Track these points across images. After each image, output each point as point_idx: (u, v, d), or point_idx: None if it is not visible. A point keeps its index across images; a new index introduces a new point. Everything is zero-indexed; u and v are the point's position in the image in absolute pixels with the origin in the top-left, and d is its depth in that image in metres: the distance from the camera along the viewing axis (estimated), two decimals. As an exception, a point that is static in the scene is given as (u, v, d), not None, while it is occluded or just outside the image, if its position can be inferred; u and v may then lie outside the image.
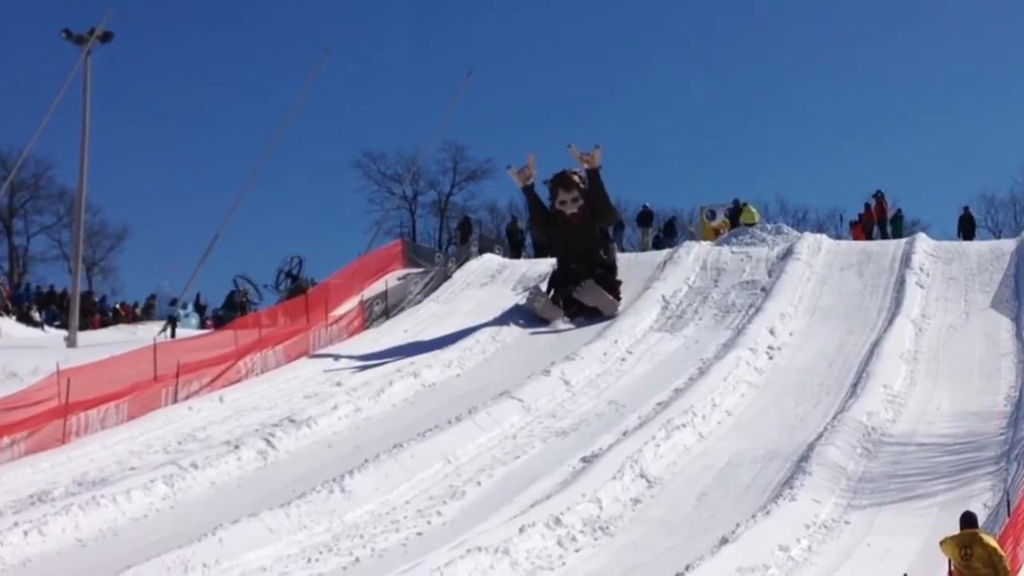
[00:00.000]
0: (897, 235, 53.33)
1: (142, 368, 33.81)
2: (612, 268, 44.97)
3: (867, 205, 56.46)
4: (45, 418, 29.91)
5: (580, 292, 43.25)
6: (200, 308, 62.02)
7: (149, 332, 49.38)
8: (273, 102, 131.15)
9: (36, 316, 60.62)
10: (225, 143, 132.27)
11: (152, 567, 21.86)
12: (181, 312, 60.76)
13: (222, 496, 27.19)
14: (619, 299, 43.92)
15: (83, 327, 52.44)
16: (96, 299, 68.98)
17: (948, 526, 20.40)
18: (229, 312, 56.44)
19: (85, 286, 72.28)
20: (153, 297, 64.24)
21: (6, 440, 28.86)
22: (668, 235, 58.94)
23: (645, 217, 60.42)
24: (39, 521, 24.16)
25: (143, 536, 24.49)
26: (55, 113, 48.06)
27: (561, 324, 42.48)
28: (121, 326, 58.55)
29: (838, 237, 55.64)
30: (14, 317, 59.15)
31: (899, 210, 55.86)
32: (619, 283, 44.72)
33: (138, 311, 64.45)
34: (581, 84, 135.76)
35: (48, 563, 23.14)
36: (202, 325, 56.79)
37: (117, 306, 65.46)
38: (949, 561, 18.35)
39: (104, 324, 59.97)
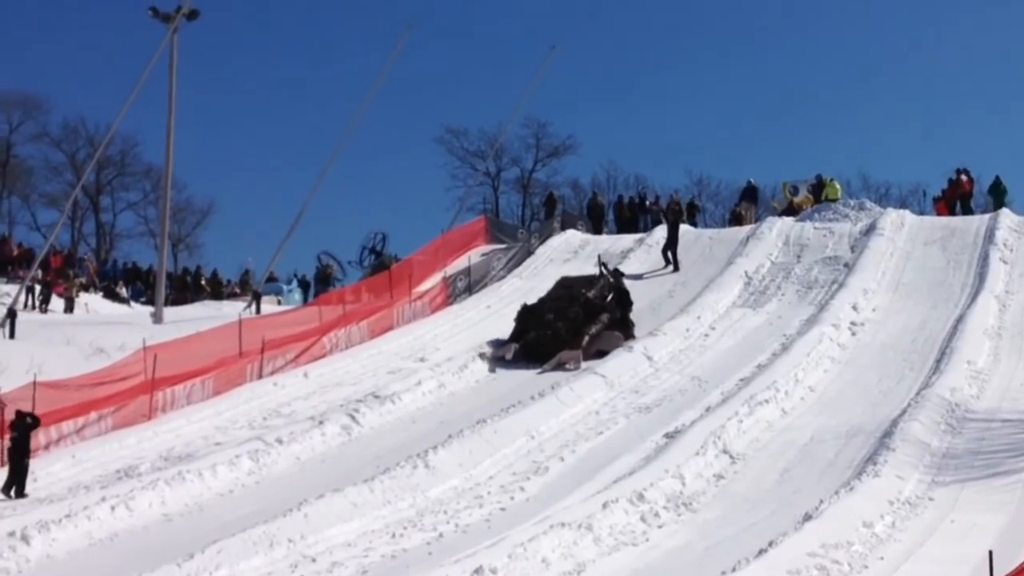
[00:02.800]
0: (999, 204, 52.58)
1: (227, 344, 34.22)
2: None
3: (950, 180, 55.84)
4: (132, 394, 30.34)
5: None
6: (304, 284, 62.39)
7: (234, 308, 49.76)
8: (357, 79, 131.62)
9: (122, 292, 61.23)
10: (309, 119, 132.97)
11: (238, 542, 22.09)
12: (285, 288, 61.28)
13: (307, 471, 27.46)
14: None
15: (177, 302, 52.90)
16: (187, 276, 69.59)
17: (1033, 503, 20.21)
18: (318, 287, 56.73)
19: (171, 263, 72.83)
20: (247, 273, 64.63)
21: (93, 415, 29.32)
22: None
23: (749, 192, 59.97)
24: (126, 496, 24.55)
25: (229, 511, 24.80)
26: (141, 91, 48.37)
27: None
28: (207, 302, 59.00)
29: (921, 213, 55.14)
30: (101, 293, 59.81)
31: (997, 178, 54.81)
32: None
33: (235, 287, 64.85)
34: (664, 59, 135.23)
35: (135, 538, 23.47)
36: (305, 301, 56.92)
37: (202, 282, 65.91)
38: (1034, 538, 18.20)
39: (189, 300, 60.49)
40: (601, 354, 35.94)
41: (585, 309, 37.89)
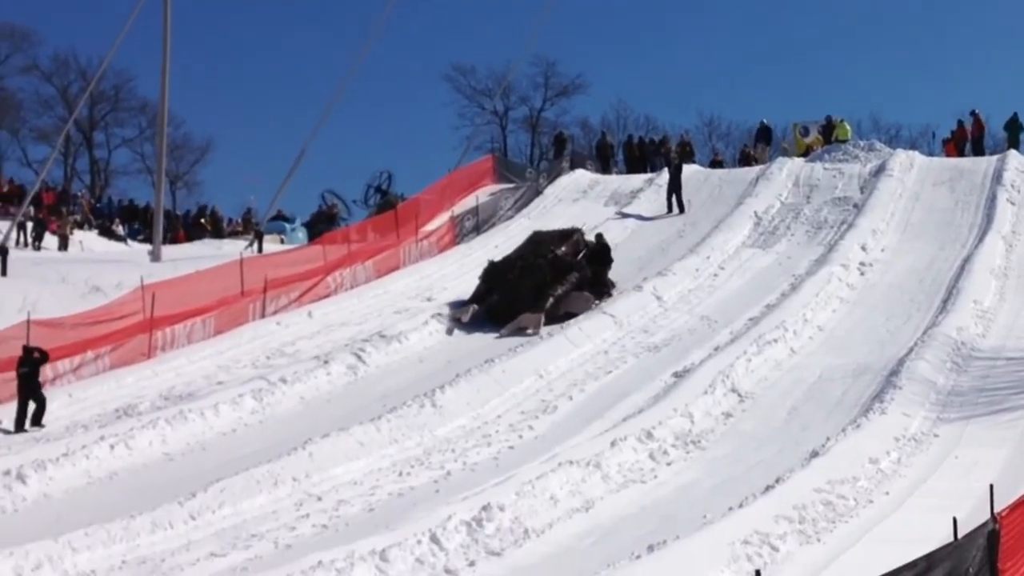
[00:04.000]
0: (1014, 142, 52.22)
1: (228, 283, 33.80)
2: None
3: (960, 122, 55.45)
4: (130, 332, 30.08)
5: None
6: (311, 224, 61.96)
7: (235, 247, 49.36)
8: (363, 14, 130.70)
9: (118, 230, 60.79)
10: (314, 55, 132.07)
11: (241, 480, 22.04)
12: (288, 227, 60.93)
13: (311, 411, 27.33)
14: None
15: (168, 241, 52.45)
16: (179, 214, 69.12)
17: (1035, 437, 20.21)
18: (320, 226, 56.36)
19: (169, 201, 72.21)
20: (249, 212, 64.30)
21: (90, 354, 29.08)
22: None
23: (763, 132, 59.59)
24: (125, 435, 24.46)
25: (231, 450, 24.70)
26: (135, 22, 47.53)
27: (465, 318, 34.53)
28: (207, 240, 58.61)
29: (930, 154, 54.73)
30: (96, 231, 59.34)
31: (1015, 114, 54.30)
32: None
33: (237, 225, 64.45)
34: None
35: (135, 476, 23.38)
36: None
37: (203, 220, 65.40)
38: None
39: (189, 239, 60.05)
40: (569, 316, 33.82)
41: (553, 268, 35.38)
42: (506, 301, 34.24)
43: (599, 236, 37.99)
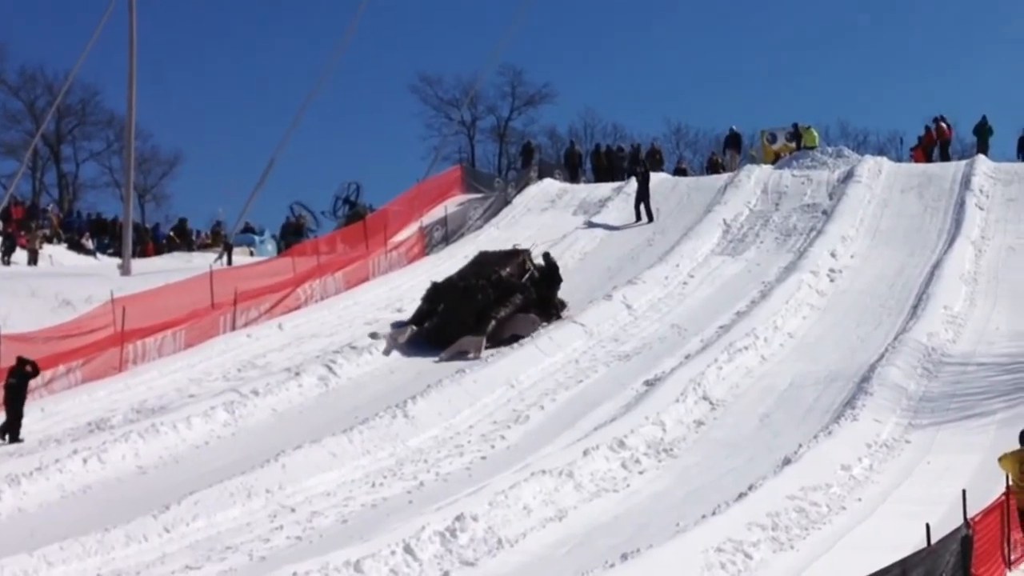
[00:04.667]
0: (983, 147, 52.56)
1: (199, 296, 33.74)
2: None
3: (927, 128, 55.76)
4: (101, 346, 30.02)
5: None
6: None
7: (205, 260, 49.28)
8: (329, 26, 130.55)
9: (88, 244, 60.63)
10: (280, 67, 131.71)
11: (215, 493, 22.03)
12: (258, 239, 60.85)
13: (284, 423, 27.30)
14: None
15: (137, 255, 52.40)
16: (148, 227, 69.00)
17: (1007, 443, 20.42)
18: (289, 238, 56.34)
19: (137, 214, 72.16)
20: (219, 225, 64.17)
21: (62, 368, 29.00)
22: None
23: (733, 139, 59.75)
24: (98, 448, 24.44)
25: (205, 463, 24.68)
26: (101, 36, 47.56)
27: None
28: (176, 254, 58.51)
29: (899, 160, 55.05)
30: (65, 245, 59.19)
31: (984, 118, 54.59)
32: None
33: (206, 238, 64.34)
34: (642, 5, 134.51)
35: (109, 490, 23.33)
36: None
37: (171, 233, 65.37)
38: (1007, 476, 18.43)
39: (158, 252, 59.98)
40: (515, 338, 32.58)
41: (497, 290, 34.01)
42: (447, 323, 33.12)
43: (547, 255, 36.68)
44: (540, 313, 34.33)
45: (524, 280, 35.19)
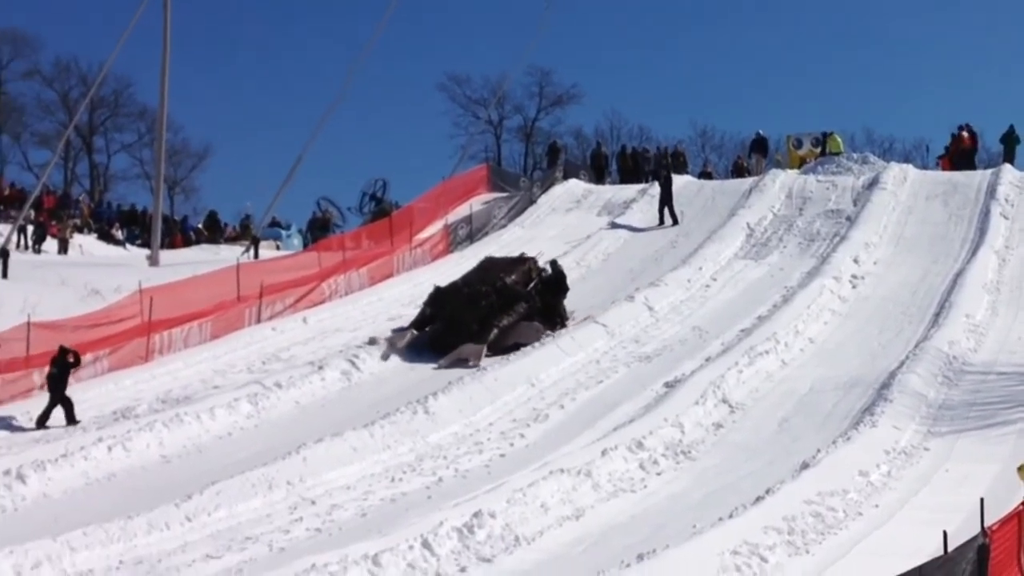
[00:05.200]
0: (1010, 155, 52.45)
1: (225, 288, 34.08)
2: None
3: (953, 136, 55.66)
4: (128, 336, 30.28)
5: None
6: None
7: (232, 252, 49.63)
8: (359, 24, 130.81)
9: (117, 234, 61.05)
10: (310, 63, 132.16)
11: (237, 484, 22.24)
12: (284, 233, 61.10)
13: (306, 416, 27.52)
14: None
15: (166, 246, 52.77)
16: (177, 219, 69.44)
17: (1026, 453, 20.37)
18: (316, 233, 56.58)
19: (167, 206, 72.59)
20: (248, 218, 64.50)
21: (89, 357, 29.17)
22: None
23: (759, 143, 59.73)
24: (123, 437, 24.68)
25: (227, 454, 24.92)
26: (135, 29, 47.83)
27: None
28: (204, 246, 58.91)
29: (924, 167, 54.97)
30: (95, 235, 59.62)
31: (1011, 127, 54.44)
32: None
33: (233, 231, 64.71)
34: (670, 8, 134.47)
35: (133, 478, 23.60)
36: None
37: (199, 226, 65.86)
38: (1026, 486, 18.40)
39: (187, 244, 60.38)
40: (518, 347, 31.88)
41: (501, 297, 33.21)
42: (448, 330, 32.39)
43: (554, 263, 35.89)
44: (545, 321, 33.62)
45: (530, 288, 34.41)
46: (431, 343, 32.41)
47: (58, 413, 26.41)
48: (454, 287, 33.88)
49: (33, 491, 22.25)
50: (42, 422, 26.21)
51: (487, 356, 31.56)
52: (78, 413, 26.59)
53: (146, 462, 24.27)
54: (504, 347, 32.07)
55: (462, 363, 31.29)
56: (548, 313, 34.06)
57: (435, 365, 31.48)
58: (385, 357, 31.49)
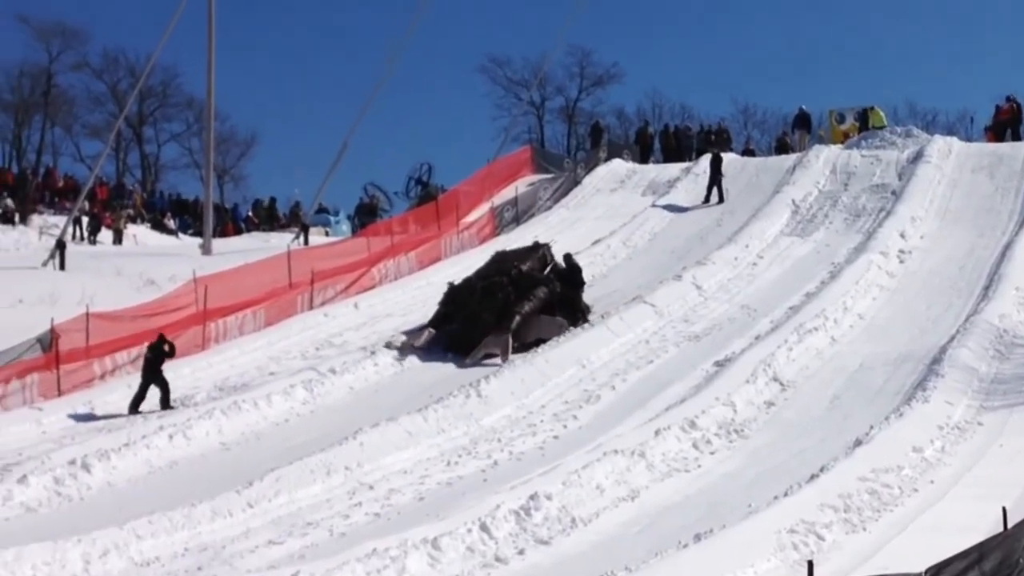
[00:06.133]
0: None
1: (277, 275, 34.44)
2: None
3: (997, 107, 55.37)
4: (184, 325, 30.57)
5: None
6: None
7: (282, 240, 50.02)
8: (401, 8, 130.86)
9: (170, 223, 61.59)
10: (352, 49, 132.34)
11: (295, 470, 22.50)
12: (333, 219, 61.43)
13: (361, 401, 27.82)
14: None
15: (217, 234, 53.27)
16: (228, 207, 70.04)
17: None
18: (364, 218, 56.85)
19: (217, 194, 73.13)
20: (297, 205, 64.91)
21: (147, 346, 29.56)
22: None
23: (802, 119, 59.57)
24: (183, 425, 25.01)
25: (285, 440, 25.22)
26: (180, 20, 48.22)
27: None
28: (254, 233, 59.41)
29: (968, 139, 54.71)
30: (148, 225, 60.18)
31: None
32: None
33: (284, 218, 65.30)
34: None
35: (194, 466, 23.94)
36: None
37: (249, 213, 66.42)
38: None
39: (237, 232, 60.90)
40: (540, 342, 30.88)
41: (517, 285, 32.22)
42: (467, 328, 31.23)
43: (568, 256, 34.76)
44: (567, 316, 32.62)
45: (547, 272, 33.69)
46: (451, 344, 31.29)
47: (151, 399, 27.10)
48: (468, 283, 32.87)
49: (98, 480, 22.57)
50: (135, 407, 26.77)
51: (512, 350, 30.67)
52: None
53: (206, 450, 24.63)
54: (526, 342, 31.05)
55: (490, 357, 30.50)
56: (569, 307, 33.07)
57: (460, 364, 30.39)
58: (400, 359, 30.45)
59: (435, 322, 32.08)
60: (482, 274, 33.31)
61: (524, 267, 33.16)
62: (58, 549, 18.54)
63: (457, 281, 33.61)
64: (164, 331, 28.75)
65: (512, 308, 31.60)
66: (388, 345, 30.85)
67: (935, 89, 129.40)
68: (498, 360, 30.22)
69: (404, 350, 30.75)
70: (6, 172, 66.99)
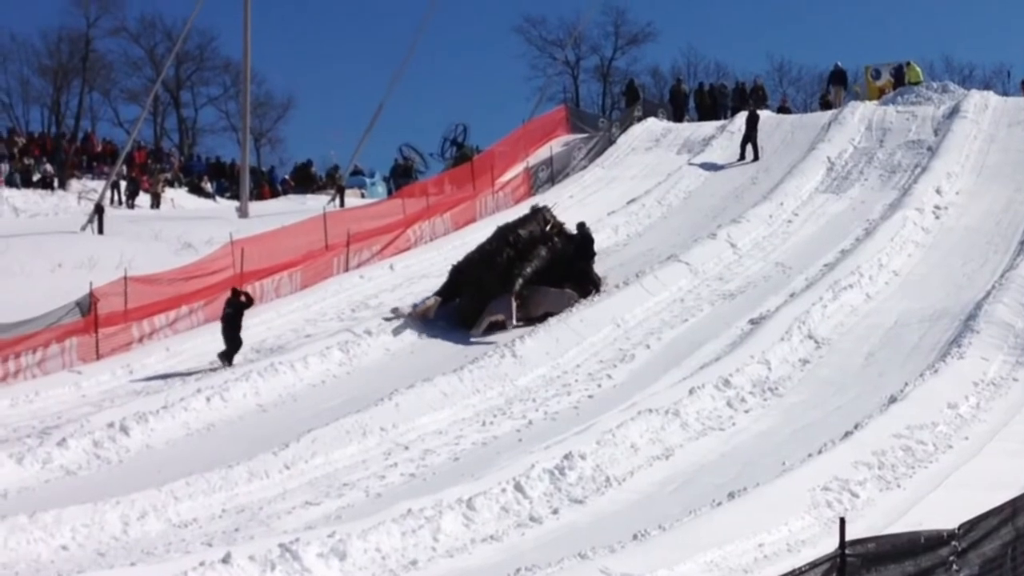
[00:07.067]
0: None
1: (313, 238, 34.57)
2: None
3: (1035, 59, 55.08)
4: (221, 287, 30.53)
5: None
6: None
7: (318, 202, 50.17)
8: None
9: (207, 187, 61.83)
10: (388, 11, 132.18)
11: (332, 431, 22.71)
12: (368, 181, 61.53)
13: (396, 362, 27.93)
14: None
15: (254, 197, 53.47)
16: (264, 170, 70.27)
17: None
18: (399, 180, 56.93)
19: (253, 158, 73.39)
20: (336, 168, 65.03)
21: (185, 309, 29.82)
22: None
23: (838, 75, 59.26)
24: (220, 388, 25.19)
25: (321, 401, 25.37)
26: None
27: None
28: (291, 196, 59.58)
29: (1005, 94, 54.38)
30: (186, 188, 60.44)
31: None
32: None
33: (320, 180, 65.49)
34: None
35: (231, 427, 24.16)
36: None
37: (287, 176, 66.67)
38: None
39: (274, 195, 61.09)
40: (548, 316, 30.05)
41: (517, 250, 31.49)
42: (473, 301, 30.47)
43: (581, 225, 33.55)
44: (577, 287, 31.88)
45: (547, 230, 32.65)
46: (461, 320, 30.46)
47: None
48: (469, 259, 32.01)
49: (136, 443, 22.77)
50: (229, 359, 27.23)
51: (518, 325, 29.90)
52: (176, 364, 27.31)
53: (243, 412, 24.79)
54: (534, 317, 30.29)
55: (497, 326, 29.87)
56: (579, 278, 32.25)
57: (470, 338, 29.53)
58: (401, 327, 29.54)
59: (443, 292, 31.12)
60: (482, 247, 32.42)
61: (523, 232, 32.26)
62: (97, 511, 18.77)
63: (459, 260, 32.44)
64: (202, 294, 28.93)
65: (514, 270, 31.02)
66: (394, 311, 30.13)
67: (972, 43, 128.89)
68: (504, 322, 29.83)
69: (409, 319, 29.94)
70: (45, 137, 67.30)
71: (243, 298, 28.12)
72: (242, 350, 27.77)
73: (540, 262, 31.58)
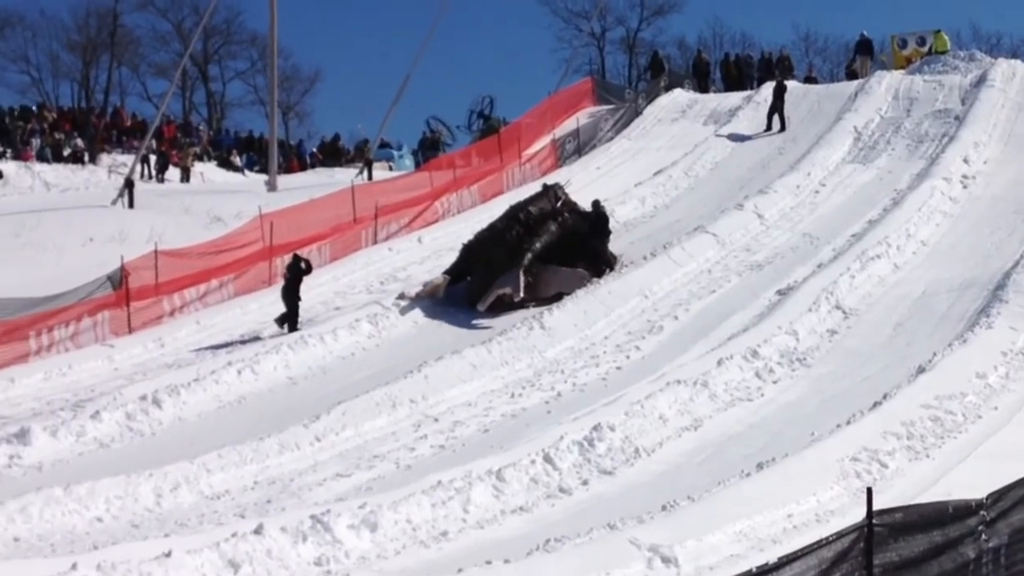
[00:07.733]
0: None
1: (342, 211, 34.74)
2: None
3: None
4: (251, 261, 30.97)
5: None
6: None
7: (346, 175, 50.28)
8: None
9: (236, 161, 62.02)
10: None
11: (361, 403, 22.85)
12: (396, 154, 61.62)
13: (425, 334, 28.01)
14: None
15: (283, 171, 53.63)
16: (292, 144, 70.45)
17: None
18: (426, 152, 57.04)
19: (281, 131, 73.58)
20: (365, 142, 65.18)
21: (215, 282, 29.99)
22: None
23: (864, 45, 59.05)
24: (251, 360, 25.36)
25: (350, 373, 25.51)
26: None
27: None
28: (319, 169, 59.74)
29: (1033, 62, 54.03)
30: (215, 162, 60.66)
31: None
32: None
33: (348, 154, 65.67)
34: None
35: (262, 400, 24.30)
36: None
37: (314, 150, 66.79)
38: None
39: (302, 168, 61.26)
40: (560, 296, 29.52)
41: (525, 226, 31.04)
42: (483, 279, 30.03)
43: (596, 203, 33.03)
44: (589, 267, 31.37)
45: (559, 206, 32.10)
46: (470, 299, 29.89)
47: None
48: (479, 237, 31.55)
49: (168, 415, 22.95)
50: (292, 327, 27.58)
51: (531, 306, 29.34)
52: (208, 338, 27.53)
53: (274, 384, 24.95)
54: (546, 297, 29.80)
55: (504, 301, 29.50)
56: (593, 257, 31.76)
57: (477, 316, 29.21)
58: (405, 308, 29.01)
59: (453, 271, 30.74)
60: (492, 226, 31.86)
61: (534, 209, 31.78)
62: (130, 483, 18.94)
63: (470, 239, 31.89)
64: (232, 267, 29.06)
65: (523, 245, 30.53)
66: (401, 296, 29.43)
67: (999, 12, 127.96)
68: (512, 297, 29.52)
69: (418, 299, 29.47)
70: (75, 111, 67.56)
71: (303, 264, 28.35)
72: (272, 323, 27.91)
73: (550, 237, 31.14)
